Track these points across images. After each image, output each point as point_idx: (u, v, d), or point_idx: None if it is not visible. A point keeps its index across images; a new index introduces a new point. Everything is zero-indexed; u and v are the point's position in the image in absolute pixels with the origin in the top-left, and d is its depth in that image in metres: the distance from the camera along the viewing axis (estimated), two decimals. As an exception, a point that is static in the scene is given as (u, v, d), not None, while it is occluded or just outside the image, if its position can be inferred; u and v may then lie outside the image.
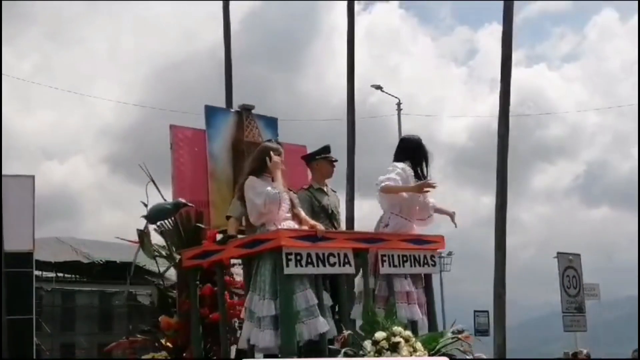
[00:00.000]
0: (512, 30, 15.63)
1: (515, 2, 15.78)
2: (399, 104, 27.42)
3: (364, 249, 5.57)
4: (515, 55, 16.22)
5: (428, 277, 6.07)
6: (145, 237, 6.03)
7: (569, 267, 15.21)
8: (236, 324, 5.95)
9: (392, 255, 5.69)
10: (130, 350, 6.32)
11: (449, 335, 5.21)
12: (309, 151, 6.71)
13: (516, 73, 16.21)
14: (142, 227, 6.05)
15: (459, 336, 5.26)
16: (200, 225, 6.20)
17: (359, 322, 5.31)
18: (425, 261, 5.92)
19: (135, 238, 6.11)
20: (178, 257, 6.08)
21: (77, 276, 31.92)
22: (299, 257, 5.11)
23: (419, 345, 4.88)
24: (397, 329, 4.85)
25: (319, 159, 6.43)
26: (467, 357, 5.34)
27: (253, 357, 5.26)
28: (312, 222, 5.61)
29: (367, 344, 4.80)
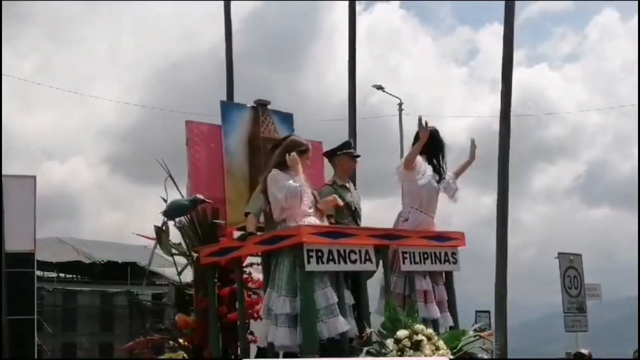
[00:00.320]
0: (514, 30, 15.63)
1: (516, 2, 15.77)
2: (400, 105, 27.23)
3: (385, 246, 5.50)
4: (516, 56, 16.23)
5: (449, 275, 6.01)
6: (163, 233, 5.95)
7: (570, 267, 15.13)
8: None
9: (413, 253, 5.65)
10: (147, 350, 6.25)
11: (471, 333, 5.16)
12: (325, 148, 6.63)
13: (517, 73, 16.24)
14: (159, 224, 5.98)
15: (482, 334, 5.21)
16: (216, 221, 6.11)
17: (380, 318, 5.24)
18: (446, 258, 5.88)
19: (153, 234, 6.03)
20: (195, 254, 6.00)
21: (78, 276, 31.98)
22: (320, 254, 5.03)
23: (441, 343, 4.83)
24: (419, 326, 4.79)
25: (340, 155, 6.33)
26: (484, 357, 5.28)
27: (273, 355, 5.18)
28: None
29: (389, 342, 4.74)
